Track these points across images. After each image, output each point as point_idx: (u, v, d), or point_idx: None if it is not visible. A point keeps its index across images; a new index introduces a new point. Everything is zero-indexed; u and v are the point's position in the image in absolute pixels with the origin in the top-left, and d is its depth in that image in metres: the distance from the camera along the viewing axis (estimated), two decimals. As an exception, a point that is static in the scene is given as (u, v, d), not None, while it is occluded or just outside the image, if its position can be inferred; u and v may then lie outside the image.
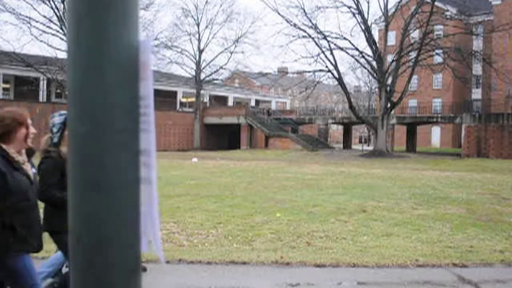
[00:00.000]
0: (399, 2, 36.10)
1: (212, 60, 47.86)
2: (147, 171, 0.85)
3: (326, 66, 34.23)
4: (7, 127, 3.10)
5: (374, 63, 34.43)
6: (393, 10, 36.21)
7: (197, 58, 47.43)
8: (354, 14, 33.79)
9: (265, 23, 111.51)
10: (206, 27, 48.20)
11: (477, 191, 13.38)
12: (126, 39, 0.82)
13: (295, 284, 5.23)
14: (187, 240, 7.13)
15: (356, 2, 33.32)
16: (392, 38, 47.72)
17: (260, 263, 5.96)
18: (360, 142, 66.23)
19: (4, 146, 3.11)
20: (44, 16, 36.27)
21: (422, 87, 51.92)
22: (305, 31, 34.17)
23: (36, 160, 3.89)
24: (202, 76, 47.33)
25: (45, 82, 39.03)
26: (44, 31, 36.33)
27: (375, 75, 34.89)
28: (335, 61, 33.98)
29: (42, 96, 40.15)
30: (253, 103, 56.20)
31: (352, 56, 35.46)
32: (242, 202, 10.93)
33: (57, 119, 4.14)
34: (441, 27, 39.45)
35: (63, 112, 4.11)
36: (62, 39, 35.78)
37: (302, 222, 8.66)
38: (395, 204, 10.63)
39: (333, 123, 48.71)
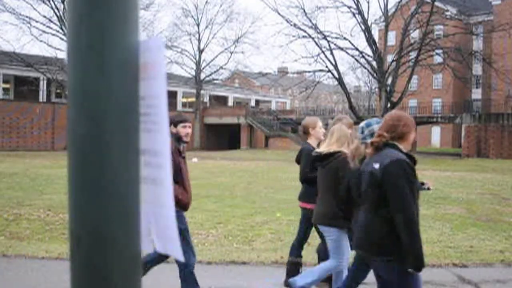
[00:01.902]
0: (399, 2, 36.07)
1: (212, 60, 47.87)
2: (152, 171, 0.85)
3: (326, 66, 34.21)
4: (407, 129, 3.19)
5: (374, 63, 34.41)
6: (393, 10, 36.18)
7: (197, 58, 47.42)
8: (354, 14, 33.77)
9: (265, 23, 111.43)
10: (206, 27, 48.22)
11: (477, 191, 13.39)
12: (126, 39, 0.82)
13: (295, 284, 5.22)
14: (187, 240, 7.12)
15: (356, 2, 33.30)
16: (392, 38, 47.69)
17: (260, 263, 5.96)
18: (360, 142, 66.15)
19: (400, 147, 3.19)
20: (44, 16, 36.29)
21: (422, 87, 51.90)
22: (305, 31, 34.14)
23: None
24: (202, 76, 47.30)
25: (45, 82, 39.01)
26: (44, 31, 36.34)
27: (375, 75, 34.87)
28: (335, 61, 33.96)
29: (42, 96, 40.12)
30: (253, 103, 56.17)
31: (352, 56, 35.43)
32: (242, 202, 10.93)
33: (376, 126, 4.30)
34: (441, 27, 39.43)
35: (378, 120, 4.34)
36: (62, 39, 35.77)
37: (302, 222, 8.66)
38: (395, 204, 10.62)
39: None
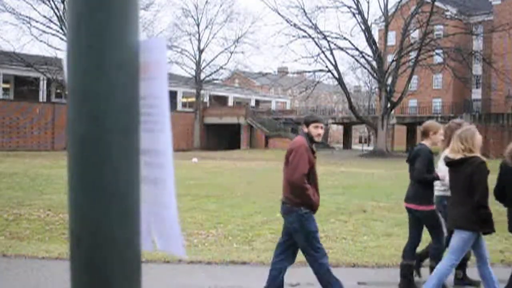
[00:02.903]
0: (399, 2, 36.09)
1: (212, 60, 47.89)
2: (153, 171, 0.85)
3: (326, 66, 34.25)
4: None
5: (374, 63, 34.43)
6: (393, 10, 36.21)
7: (197, 58, 47.44)
8: (354, 14, 33.81)
9: (265, 23, 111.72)
10: (206, 27, 48.22)
11: (477, 191, 13.37)
12: (126, 39, 0.82)
13: (295, 284, 5.23)
14: (187, 240, 7.13)
15: (356, 2, 33.34)
16: (392, 38, 47.66)
17: (260, 263, 5.96)
18: (360, 142, 66.24)
19: None
20: (44, 16, 36.31)
21: (422, 87, 51.89)
22: (305, 31, 34.18)
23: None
24: (202, 76, 47.32)
25: (45, 82, 39.02)
26: (44, 31, 36.37)
27: (375, 75, 34.90)
28: (335, 61, 34.01)
29: (42, 96, 40.13)
30: (253, 103, 56.18)
31: (352, 56, 35.47)
32: (242, 202, 10.93)
33: None
34: (441, 27, 39.44)
35: None
36: (62, 39, 35.73)
37: (302, 222, 8.65)
38: (395, 204, 10.63)
39: (333, 123, 48.73)
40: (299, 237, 4.45)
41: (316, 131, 4.52)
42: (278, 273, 4.60)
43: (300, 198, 4.37)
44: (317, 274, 4.43)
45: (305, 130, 4.53)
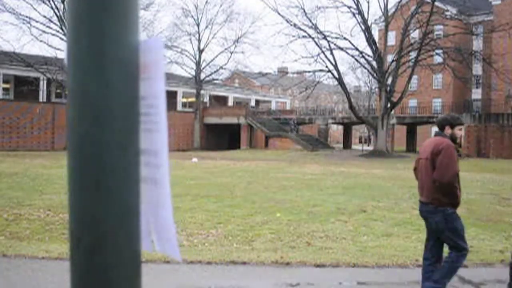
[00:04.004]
0: (399, 2, 36.09)
1: (212, 60, 47.89)
2: (152, 172, 0.85)
3: (326, 66, 34.23)
4: None
5: (374, 63, 34.41)
6: (393, 10, 36.20)
7: (197, 58, 47.44)
8: (354, 14, 33.79)
9: (265, 23, 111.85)
10: (206, 27, 48.23)
11: (477, 191, 13.37)
12: (126, 39, 0.82)
13: (295, 284, 5.23)
14: (187, 240, 7.13)
15: (356, 2, 33.32)
16: (392, 38, 47.68)
17: (260, 263, 5.96)
18: (360, 142, 66.25)
19: None
20: (44, 16, 36.33)
21: (422, 87, 51.90)
22: (305, 31, 34.17)
23: None
24: (202, 76, 47.32)
25: (45, 82, 39.03)
26: (44, 31, 36.38)
27: (375, 75, 34.88)
28: (335, 61, 33.98)
29: (42, 96, 40.13)
30: (253, 103, 56.19)
31: (352, 56, 35.45)
32: (242, 202, 10.92)
33: None
34: (441, 27, 39.43)
35: None
36: (62, 39, 35.76)
37: (302, 222, 8.66)
38: (395, 204, 10.63)
39: (333, 123, 48.71)
40: (446, 236, 4.52)
41: (460, 133, 4.67)
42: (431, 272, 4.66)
43: (448, 198, 4.42)
44: (444, 267, 4.50)
45: (449, 131, 4.61)
